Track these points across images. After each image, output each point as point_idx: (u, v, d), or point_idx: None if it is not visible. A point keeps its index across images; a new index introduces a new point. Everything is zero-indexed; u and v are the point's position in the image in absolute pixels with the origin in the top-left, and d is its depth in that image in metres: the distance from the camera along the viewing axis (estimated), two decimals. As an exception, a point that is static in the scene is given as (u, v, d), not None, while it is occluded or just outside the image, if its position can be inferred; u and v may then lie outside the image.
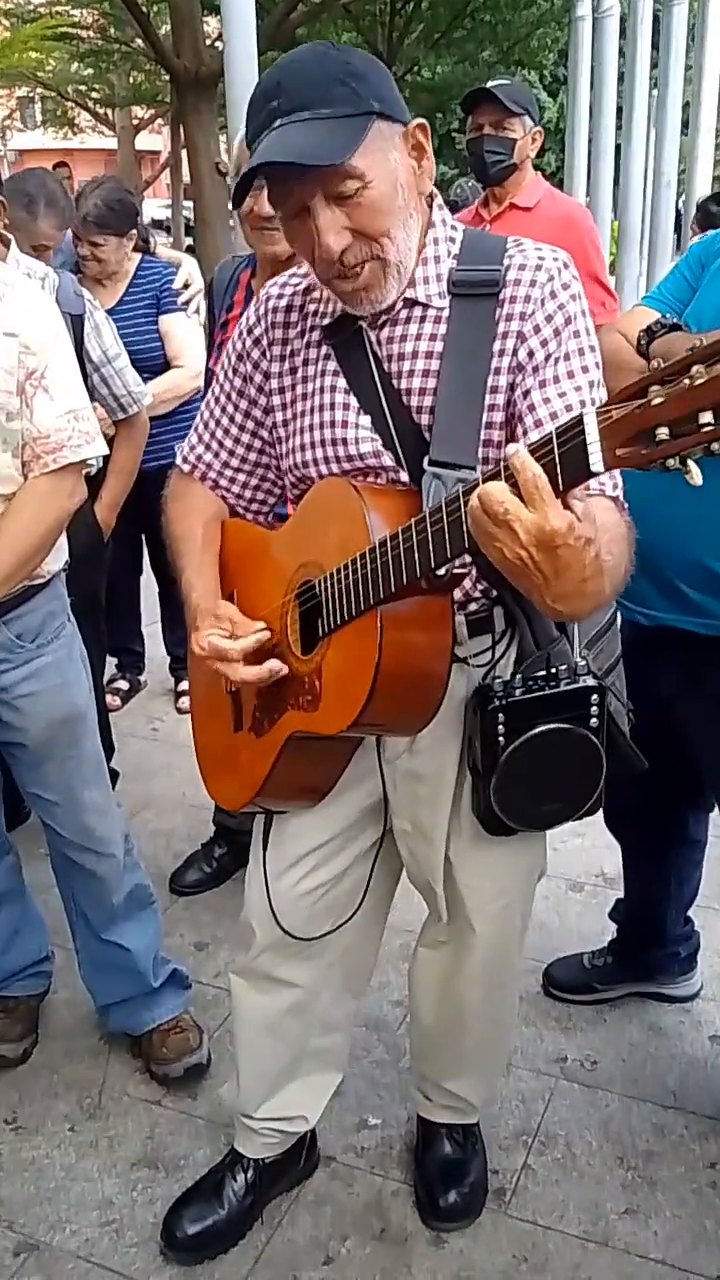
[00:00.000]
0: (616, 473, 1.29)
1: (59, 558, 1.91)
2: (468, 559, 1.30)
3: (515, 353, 1.31)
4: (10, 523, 1.75)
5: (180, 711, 3.73)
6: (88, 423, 1.80)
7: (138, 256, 3.29)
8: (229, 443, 1.55)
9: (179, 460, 1.62)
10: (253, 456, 1.55)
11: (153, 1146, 2.01)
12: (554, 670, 1.42)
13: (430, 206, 1.37)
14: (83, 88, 18.71)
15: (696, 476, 0.90)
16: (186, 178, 14.42)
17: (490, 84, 3.04)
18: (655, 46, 10.14)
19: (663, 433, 0.89)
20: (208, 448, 1.57)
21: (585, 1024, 2.27)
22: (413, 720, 1.35)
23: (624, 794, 2.13)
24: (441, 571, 1.18)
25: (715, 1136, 1.99)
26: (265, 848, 1.64)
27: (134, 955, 2.10)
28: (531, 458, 0.98)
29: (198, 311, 3.29)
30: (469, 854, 1.57)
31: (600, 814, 2.21)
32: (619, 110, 10.28)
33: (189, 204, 12.20)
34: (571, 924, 2.58)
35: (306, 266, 1.42)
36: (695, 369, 0.86)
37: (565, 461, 0.96)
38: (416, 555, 1.16)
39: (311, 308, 1.44)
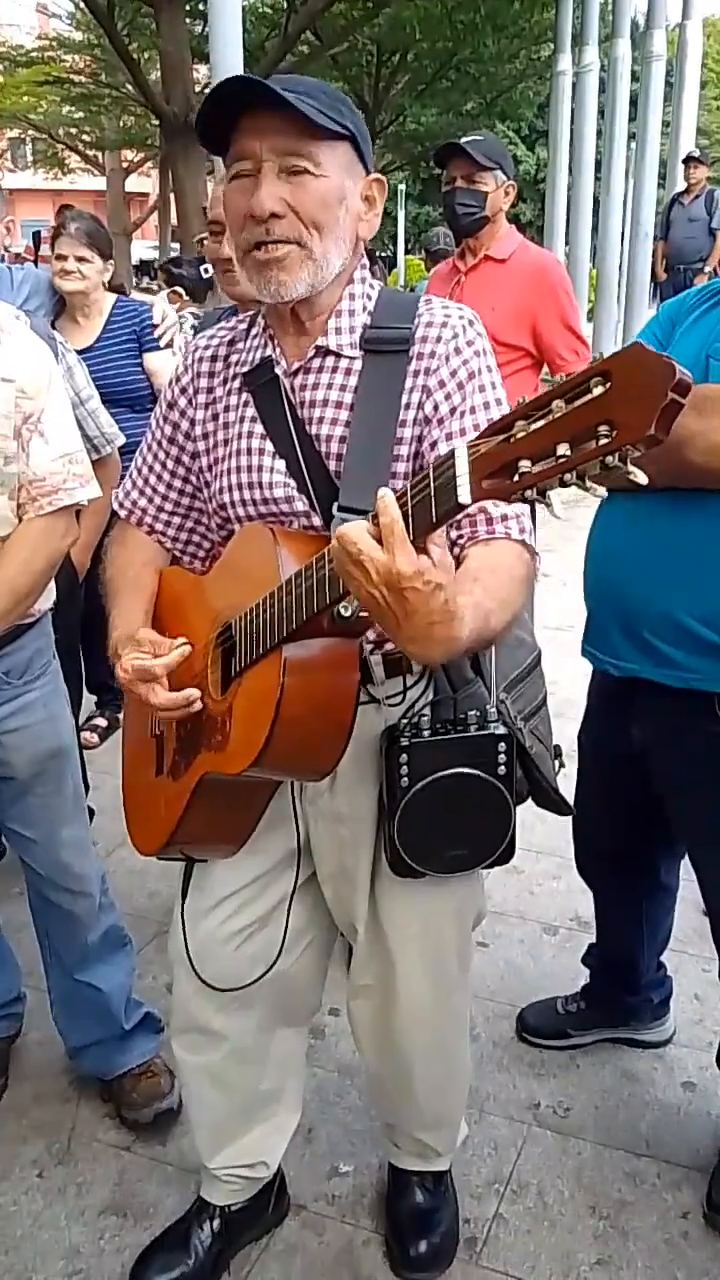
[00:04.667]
0: (525, 516, 1.34)
1: (48, 597, 1.93)
2: None
3: (421, 406, 1.37)
4: (5, 564, 1.77)
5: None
6: (81, 465, 1.83)
7: (112, 296, 3.35)
8: (161, 487, 1.59)
9: (115, 505, 1.65)
10: (185, 501, 1.59)
11: (121, 1194, 1.98)
12: (464, 715, 1.43)
13: (356, 264, 1.44)
14: (74, 130, 18.98)
15: (558, 508, 0.94)
16: (174, 220, 14.59)
17: (463, 139, 3.10)
18: (633, 102, 10.38)
19: (525, 464, 0.93)
20: (141, 493, 1.62)
21: (558, 1069, 2.26)
22: (316, 763, 1.33)
23: (595, 841, 2.15)
24: (347, 612, 1.20)
25: (688, 1185, 1.99)
26: (184, 895, 1.63)
27: (106, 996, 2.09)
28: (395, 503, 1.04)
29: (169, 345, 3.38)
30: (392, 894, 1.57)
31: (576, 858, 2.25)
32: (598, 163, 10.50)
33: (176, 245, 12.34)
34: (546, 967, 2.58)
35: (234, 320, 1.49)
36: (555, 404, 0.91)
37: (438, 493, 1.01)
38: (315, 592, 1.18)
39: (234, 357, 1.50)
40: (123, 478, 2.95)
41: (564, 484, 0.91)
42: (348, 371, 1.40)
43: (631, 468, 0.87)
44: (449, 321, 1.38)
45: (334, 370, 1.41)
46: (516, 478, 0.93)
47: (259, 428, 1.44)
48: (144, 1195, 1.98)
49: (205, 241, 2.23)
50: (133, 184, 22.96)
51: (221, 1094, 1.73)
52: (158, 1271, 1.77)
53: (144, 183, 25.71)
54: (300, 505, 1.41)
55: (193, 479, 1.56)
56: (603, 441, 0.86)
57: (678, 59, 10.81)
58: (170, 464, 1.58)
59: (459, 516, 1.27)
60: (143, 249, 23.28)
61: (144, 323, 3.32)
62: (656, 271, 9.75)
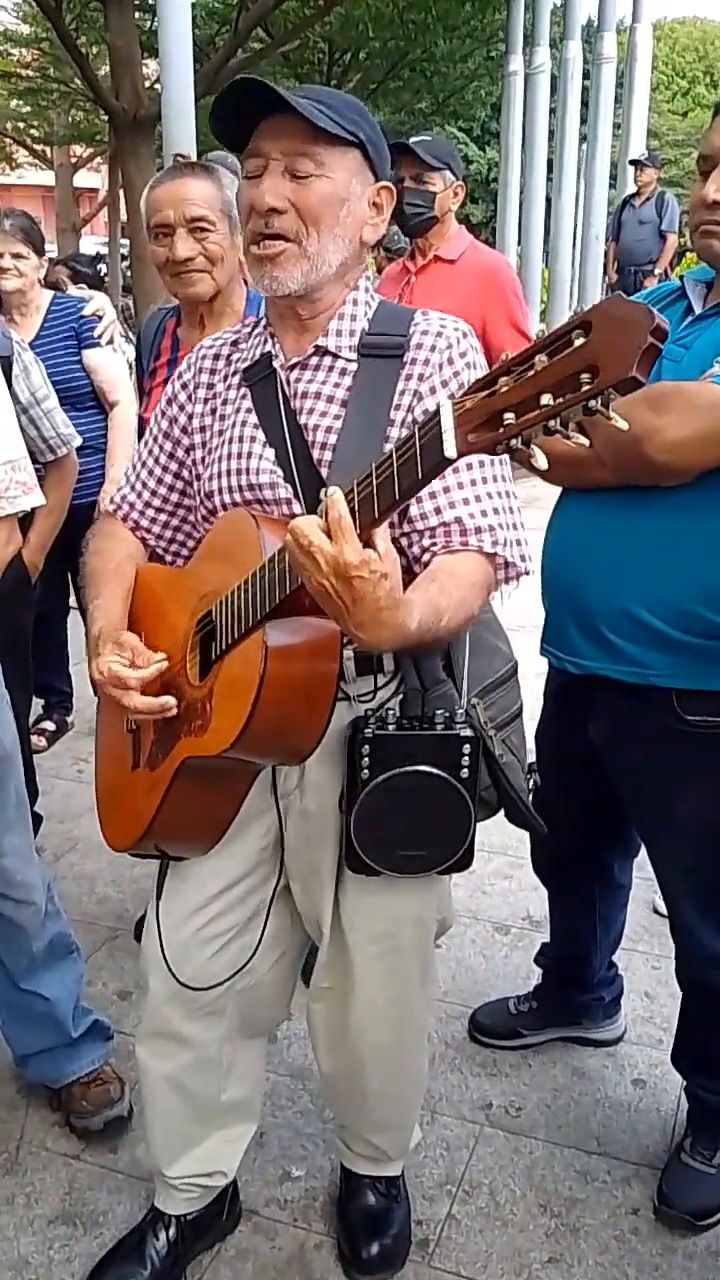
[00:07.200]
0: (497, 529, 1.38)
1: None
2: None
3: (411, 409, 1.40)
4: None
5: (108, 752, 3.69)
6: (24, 472, 1.80)
7: (49, 293, 3.32)
8: (151, 483, 1.62)
9: (107, 503, 1.68)
10: (174, 497, 1.62)
11: (71, 1202, 1.96)
12: (431, 714, 1.44)
13: (360, 273, 1.49)
14: (21, 125, 18.69)
15: (541, 460, 0.97)
16: (124, 215, 14.43)
17: (411, 140, 3.10)
18: (585, 104, 10.46)
19: (509, 417, 0.96)
20: (133, 488, 1.64)
21: (510, 1069, 2.27)
22: (297, 744, 1.35)
23: (552, 841, 2.16)
24: None
25: (638, 1181, 2.00)
26: (159, 895, 1.62)
27: (54, 1005, 2.05)
28: (343, 499, 1.10)
29: (110, 342, 3.35)
30: (354, 897, 1.58)
31: (528, 857, 2.26)
32: (549, 164, 10.56)
33: (126, 242, 12.22)
34: (498, 967, 2.59)
35: (240, 324, 1.54)
36: (538, 358, 0.94)
37: (424, 449, 1.04)
38: (290, 571, 1.21)
39: (236, 356, 1.54)
40: (81, 476, 2.95)
41: (548, 431, 0.94)
42: (343, 372, 1.45)
43: (614, 414, 0.90)
44: (444, 332, 1.43)
45: (330, 369, 1.45)
46: (501, 429, 0.97)
47: (252, 418, 1.48)
48: (94, 1204, 1.95)
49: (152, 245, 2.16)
50: (82, 179, 22.64)
51: (183, 1102, 1.72)
52: None
53: (93, 178, 25.38)
54: (284, 493, 1.44)
55: (184, 474, 1.59)
56: (585, 388, 0.90)
57: (628, 61, 10.90)
58: (163, 459, 1.61)
59: (434, 524, 1.36)
60: (91, 244, 23.01)
61: (83, 320, 3.28)
62: (609, 273, 9.83)
